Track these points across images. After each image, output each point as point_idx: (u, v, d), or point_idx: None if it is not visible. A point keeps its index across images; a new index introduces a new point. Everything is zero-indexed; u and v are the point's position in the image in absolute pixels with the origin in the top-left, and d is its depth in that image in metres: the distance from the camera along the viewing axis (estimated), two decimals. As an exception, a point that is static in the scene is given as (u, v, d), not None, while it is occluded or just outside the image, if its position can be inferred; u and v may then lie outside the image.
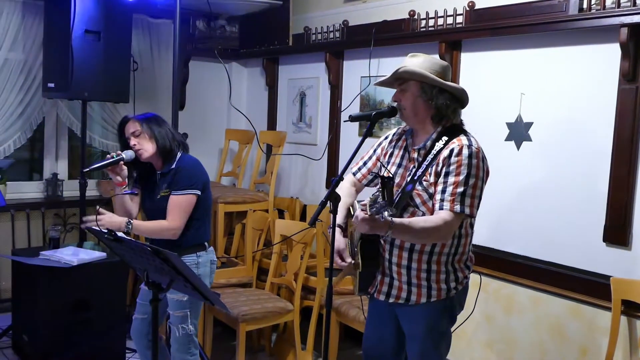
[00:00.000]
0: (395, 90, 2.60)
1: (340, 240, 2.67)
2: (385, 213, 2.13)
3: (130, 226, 2.98)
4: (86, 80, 4.18)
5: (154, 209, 3.11)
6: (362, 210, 2.22)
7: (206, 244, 3.17)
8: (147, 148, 3.06)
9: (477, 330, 3.76)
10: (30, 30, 4.62)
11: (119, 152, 3.05)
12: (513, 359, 3.59)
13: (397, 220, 2.30)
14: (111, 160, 3.02)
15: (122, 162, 3.04)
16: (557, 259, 3.39)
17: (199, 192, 3.07)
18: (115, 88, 4.38)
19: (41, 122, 4.86)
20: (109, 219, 2.96)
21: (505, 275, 3.60)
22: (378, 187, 2.17)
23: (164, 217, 3.04)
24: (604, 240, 3.18)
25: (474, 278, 2.74)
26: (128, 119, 3.12)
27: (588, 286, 3.22)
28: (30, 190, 4.96)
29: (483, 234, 3.68)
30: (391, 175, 2.49)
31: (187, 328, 3.10)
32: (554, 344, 3.39)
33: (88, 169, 3.09)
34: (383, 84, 2.64)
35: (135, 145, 3.05)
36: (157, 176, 3.14)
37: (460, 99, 2.58)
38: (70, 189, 4.95)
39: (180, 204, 3.03)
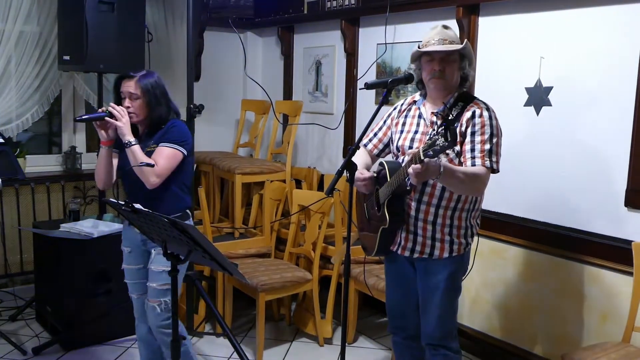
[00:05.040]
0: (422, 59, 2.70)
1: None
2: (442, 157, 2.33)
3: (130, 144, 2.89)
4: (101, 52, 4.16)
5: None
6: (414, 154, 2.34)
7: (188, 211, 3.13)
8: (139, 114, 2.98)
9: (496, 297, 3.75)
10: (45, 2, 4.59)
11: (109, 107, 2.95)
12: (533, 325, 3.58)
13: (445, 164, 2.43)
14: (97, 115, 2.93)
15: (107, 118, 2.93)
16: (578, 224, 3.35)
17: (185, 152, 3.00)
18: (130, 60, 4.35)
19: (58, 95, 4.86)
20: (126, 124, 2.90)
21: (524, 242, 3.58)
22: (438, 129, 2.26)
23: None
24: (626, 204, 3.14)
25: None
26: (131, 76, 2.98)
27: (609, 251, 3.19)
28: (49, 164, 4.99)
29: (501, 200, 3.66)
30: (453, 120, 2.61)
31: (168, 302, 2.95)
32: (574, 310, 3.37)
33: (78, 119, 3.01)
34: (437, 53, 2.64)
35: (129, 107, 2.95)
36: (140, 137, 3.04)
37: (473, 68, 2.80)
38: (89, 162, 4.97)
39: (168, 154, 2.94)
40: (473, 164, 2.58)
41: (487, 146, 2.58)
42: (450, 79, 2.66)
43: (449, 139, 2.18)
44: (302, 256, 4.33)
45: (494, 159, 2.59)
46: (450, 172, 2.47)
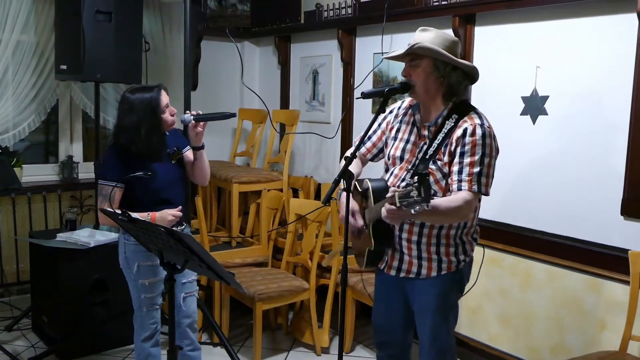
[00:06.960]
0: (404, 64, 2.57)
1: (352, 203, 2.64)
2: (417, 207, 2.08)
3: (204, 145, 3.13)
4: (98, 61, 4.15)
5: (174, 175, 3.08)
6: (390, 203, 2.18)
7: None
8: None
9: (494, 306, 3.75)
10: (42, 12, 4.61)
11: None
12: (530, 334, 3.58)
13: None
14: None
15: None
16: (574, 233, 3.36)
17: None
18: (127, 69, 4.35)
19: (55, 104, 4.87)
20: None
21: (521, 251, 3.58)
22: (411, 181, 2.11)
23: (184, 181, 3.12)
24: (622, 213, 3.14)
25: (477, 250, 2.74)
26: (159, 87, 2.99)
27: (605, 260, 3.19)
28: (46, 173, 4.99)
29: (499, 209, 3.66)
30: (427, 172, 2.43)
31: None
32: (571, 319, 3.37)
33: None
34: (394, 58, 2.60)
35: (174, 114, 3.02)
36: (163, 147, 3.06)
37: (471, 75, 2.54)
38: (86, 171, 4.97)
39: None
40: (459, 188, 2.41)
41: (477, 169, 2.40)
42: (419, 87, 2.50)
43: (422, 195, 2.06)
44: (299, 265, 4.32)
45: (483, 182, 2.42)
46: (428, 212, 2.23)
